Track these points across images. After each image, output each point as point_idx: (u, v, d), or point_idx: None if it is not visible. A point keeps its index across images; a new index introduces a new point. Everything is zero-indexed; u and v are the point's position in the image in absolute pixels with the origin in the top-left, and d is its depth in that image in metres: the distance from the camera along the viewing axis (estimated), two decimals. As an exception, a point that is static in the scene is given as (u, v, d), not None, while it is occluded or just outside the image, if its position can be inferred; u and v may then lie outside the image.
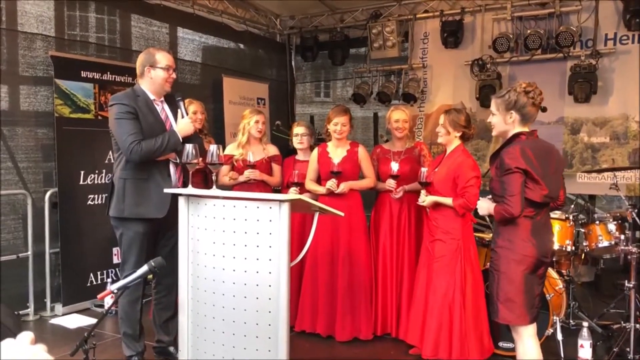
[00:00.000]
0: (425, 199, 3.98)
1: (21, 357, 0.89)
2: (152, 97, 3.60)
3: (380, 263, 4.51)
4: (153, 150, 3.43)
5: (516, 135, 3.01)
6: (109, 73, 5.42)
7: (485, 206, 3.09)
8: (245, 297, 2.96)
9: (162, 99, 3.67)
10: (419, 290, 4.10)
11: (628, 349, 3.88)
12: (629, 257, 3.96)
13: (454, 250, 3.92)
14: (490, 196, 3.15)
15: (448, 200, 3.90)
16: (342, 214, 3.29)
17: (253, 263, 2.93)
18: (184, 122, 3.58)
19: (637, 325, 3.93)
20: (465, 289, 3.88)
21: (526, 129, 3.03)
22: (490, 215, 3.22)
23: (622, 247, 3.99)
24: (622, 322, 4.14)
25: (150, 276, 3.23)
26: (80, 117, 5.18)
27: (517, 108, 2.99)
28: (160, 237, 3.65)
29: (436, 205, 3.98)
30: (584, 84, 5.82)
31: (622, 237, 4.07)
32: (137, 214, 3.51)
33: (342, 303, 4.39)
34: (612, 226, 4.16)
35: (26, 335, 0.94)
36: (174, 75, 3.62)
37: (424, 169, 3.99)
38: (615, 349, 3.88)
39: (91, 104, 5.28)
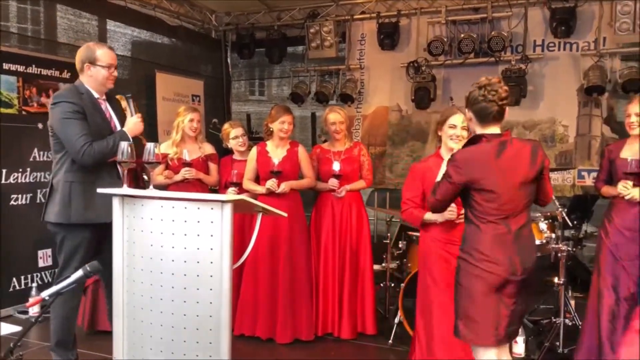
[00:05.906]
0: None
1: None
2: (95, 95, 3.42)
3: (322, 263, 4.49)
4: (106, 151, 3.26)
5: (477, 138, 2.70)
6: (34, 66, 5.13)
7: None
8: (185, 301, 2.85)
9: (104, 97, 3.49)
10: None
11: (558, 343, 4.06)
12: (559, 254, 4.12)
13: None
14: None
15: None
16: (285, 214, 3.24)
17: (193, 266, 2.83)
18: (134, 121, 3.42)
19: (566, 320, 4.11)
20: None
21: (491, 130, 2.68)
22: None
23: (553, 246, 4.14)
24: (552, 317, 4.31)
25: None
26: (2, 112, 4.87)
27: (469, 105, 2.71)
28: (104, 241, 3.44)
29: None
30: (515, 88, 5.99)
31: (553, 235, 4.23)
32: (86, 219, 3.30)
33: (283, 304, 4.33)
34: (543, 225, 4.30)
35: None
36: (115, 73, 3.43)
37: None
38: (546, 344, 4.03)
39: (14, 99, 4.97)
